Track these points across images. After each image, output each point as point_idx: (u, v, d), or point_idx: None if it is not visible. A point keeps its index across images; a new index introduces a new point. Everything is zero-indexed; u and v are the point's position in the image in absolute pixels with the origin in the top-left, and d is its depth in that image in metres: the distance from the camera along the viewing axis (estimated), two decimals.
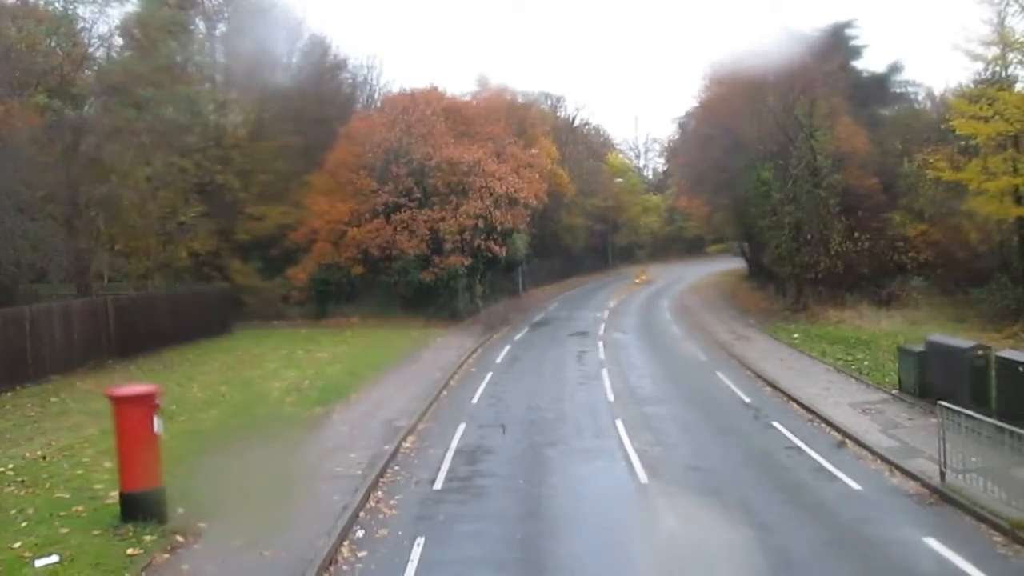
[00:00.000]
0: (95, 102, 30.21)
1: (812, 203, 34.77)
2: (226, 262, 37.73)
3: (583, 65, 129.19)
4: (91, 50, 30.49)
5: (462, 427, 17.25)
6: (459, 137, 38.44)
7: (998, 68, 31.49)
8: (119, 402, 11.04)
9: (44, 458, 14.37)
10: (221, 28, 40.70)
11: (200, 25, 39.24)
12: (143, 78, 29.37)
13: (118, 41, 32.59)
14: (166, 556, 10.12)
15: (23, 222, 26.05)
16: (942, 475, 12.11)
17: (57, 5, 28.99)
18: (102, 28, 30.59)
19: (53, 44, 28.27)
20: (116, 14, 30.77)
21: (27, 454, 14.69)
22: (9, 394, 20.51)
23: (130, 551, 10.11)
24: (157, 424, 10.93)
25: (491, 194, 36.55)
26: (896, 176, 36.81)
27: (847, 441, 15.27)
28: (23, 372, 21.93)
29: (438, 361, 25.85)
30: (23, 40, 26.72)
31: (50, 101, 26.62)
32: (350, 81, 46.26)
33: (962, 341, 17.82)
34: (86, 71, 30.17)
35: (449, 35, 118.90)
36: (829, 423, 16.55)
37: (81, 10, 29.36)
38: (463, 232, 36.03)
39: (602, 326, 35.36)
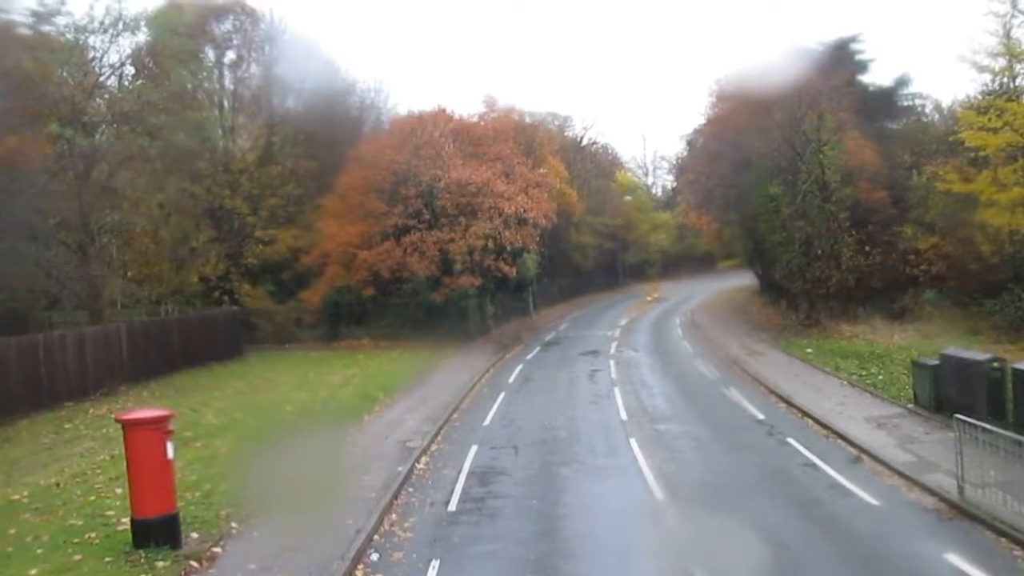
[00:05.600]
0: (107, 130, 30.53)
1: (822, 218, 34.69)
2: (236, 286, 37.94)
3: (590, 84, 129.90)
4: (102, 79, 30.84)
5: (475, 448, 17.20)
6: (467, 158, 38.58)
7: (1005, 79, 31.52)
8: (130, 427, 11.01)
9: (58, 485, 14.39)
10: (230, 55, 41.27)
11: (209, 53, 39.73)
12: (155, 106, 29.69)
13: (129, 70, 32.95)
14: None
15: (37, 250, 26.31)
16: (960, 490, 11.97)
17: (68, 35, 29.38)
18: (112, 57, 30.99)
19: (64, 74, 28.62)
20: (127, 43, 31.16)
21: (41, 481, 14.71)
22: (24, 421, 20.57)
23: None
24: (170, 449, 10.91)
25: (500, 214, 36.64)
26: (906, 189, 36.73)
27: (863, 456, 15.12)
28: (38, 399, 22.02)
29: (450, 382, 25.82)
30: (37, 71, 27.07)
31: (62, 130, 26.90)
32: (358, 104, 46.55)
33: (977, 354, 17.68)
34: (97, 100, 30.48)
35: (456, 56, 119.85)
36: (844, 438, 16.40)
37: (92, 39, 29.83)
38: (473, 253, 36.09)
39: (613, 344, 35.25)
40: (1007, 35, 30.14)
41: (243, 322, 35.73)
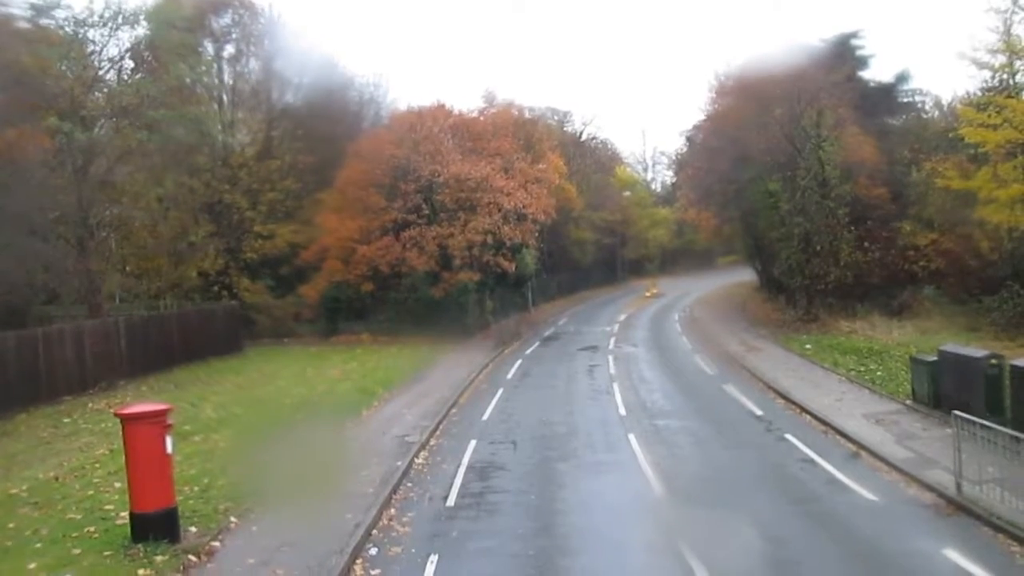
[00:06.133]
0: (105, 124, 30.47)
1: (821, 214, 34.62)
2: (235, 281, 37.92)
3: (589, 80, 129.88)
4: (101, 72, 30.77)
5: (473, 443, 17.21)
6: (467, 153, 38.54)
7: (1005, 76, 31.49)
8: (128, 421, 11.01)
9: (57, 479, 14.41)
10: (229, 50, 41.21)
11: (208, 47, 39.67)
12: (154, 100, 29.63)
13: (128, 64, 32.87)
14: None
15: (35, 244, 26.27)
16: (958, 486, 11.98)
17: (67, 29, 29.30)
18: (112, 51, 30.91)
19: (63, 67, 28.55)
20: (126, 37, 31.08)
21: (40, 475, 14.73)
22: (23, 415, 20.56)
23: (141, 572, 10.10)
24: (168, 443, 10.91)
25: (499, 210, 36.58)
26: (905, 185, 36.69)
27: (861, 452, 15.14)
28: (37, 393, 22.01)
29: (449, 377, 25.83)
30: (35, 64, 27.00)
31: (61, 124, 26.83)
32: (357, 99, 46.51)
33: (975, 350, 17.68)
34: (96, 94, 30.41)
35: (455, 51, 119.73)
36: (843, 434, 16.41)
37: (91, 33, 29.77)
38: (472, 248, 36.02)
39: (612, 340, 35.27)
40: (1007, 32, 30.17)
41: (242, 317, 35.72)
